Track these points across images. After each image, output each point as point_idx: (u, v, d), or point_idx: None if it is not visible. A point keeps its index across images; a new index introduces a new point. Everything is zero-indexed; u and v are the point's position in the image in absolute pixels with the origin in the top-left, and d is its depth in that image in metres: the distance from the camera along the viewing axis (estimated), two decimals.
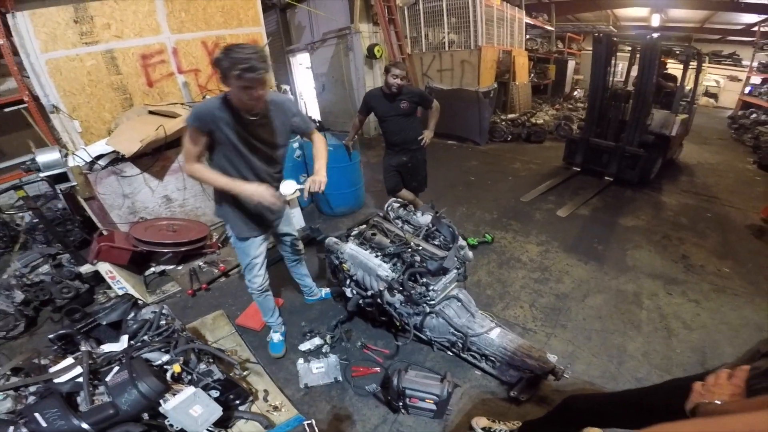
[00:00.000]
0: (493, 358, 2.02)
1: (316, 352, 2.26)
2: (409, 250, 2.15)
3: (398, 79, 3.04)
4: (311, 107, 8.45)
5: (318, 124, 7.10)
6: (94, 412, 1.34)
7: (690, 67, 4.80)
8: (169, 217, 3.67)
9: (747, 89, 10.12)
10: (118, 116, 3.89)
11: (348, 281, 2.33)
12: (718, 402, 0.79)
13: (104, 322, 1.84)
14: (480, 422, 1.74)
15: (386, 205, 2.60)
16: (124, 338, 1.66)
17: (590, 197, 4.49)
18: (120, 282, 2.88)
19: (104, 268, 2.88)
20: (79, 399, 1.41)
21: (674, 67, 5.20)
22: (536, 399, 1.93)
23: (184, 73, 4.30)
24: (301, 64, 8.37)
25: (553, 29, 10.63)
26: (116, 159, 3.34)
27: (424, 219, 2.43)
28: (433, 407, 1.68)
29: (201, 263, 3.34)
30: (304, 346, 2.30)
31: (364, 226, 2.49)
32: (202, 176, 1.70)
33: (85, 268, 2.93)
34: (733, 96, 11.49)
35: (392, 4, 5.87)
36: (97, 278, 3.01)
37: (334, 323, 2.46)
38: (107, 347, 1.64)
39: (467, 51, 6.07)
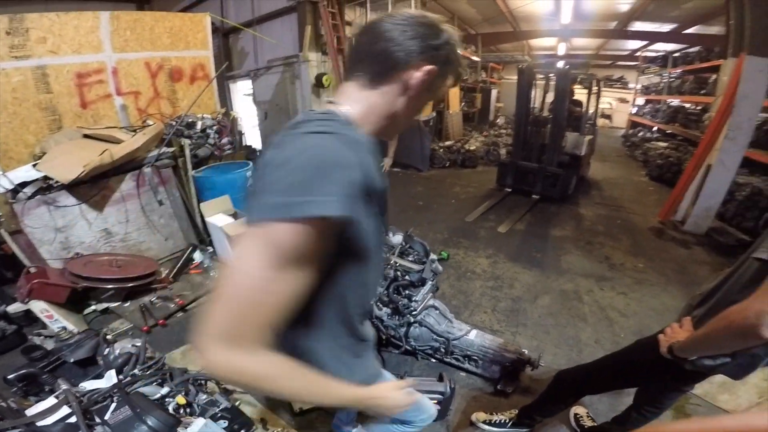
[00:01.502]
0: (475, 358, 2.19)
1: None
2: (389, 266, 2.30)
3: None
4: (252, 136, 8.25)
5: (259, 154, 6.98)
6: None
7: (592, 92, 5.71)
8: (110, 252, 3.35)
9: (633, 110, 11.94)
10: (44, 139, 3.51)
11: None
12: (681, 339, 1.13)
13: (71, 360, 1.66)
14: (479, 416, 1.89)
15: None
16: (111, 374, 1.52)
17: (523, 214, 5.04)
18: (59, 321, 2.58)
19: (39, 306, 2.57)
20: None
21: (580, 93, 6.05)
22: (521, 390, 2.14)
23: (123, 95, 4.05)
24: (240, 91, 8.21)
25: (479, 60, 11.80)
26: (46, 187, 3.00)
27: (397, 238, 2.61)
28: (438, 407, 1.77)
29: (153, 299, 3.09)
30: None
31: None
32: (279, 380, 0.66)
33: (14, 307, 2.60)
34: (623, 116, 13.44)
35: (341, 34, 6.13)
36: (28, 318, 2.66)
37: None
38: (89, 384, 1.49)
39: None
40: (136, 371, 1.55)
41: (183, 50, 4.31)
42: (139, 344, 1.73)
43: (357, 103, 0.75)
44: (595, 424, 1.88)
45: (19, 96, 3.37)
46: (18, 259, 2.99)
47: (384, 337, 2.29)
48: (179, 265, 3.48)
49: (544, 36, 10.92)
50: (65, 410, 1.29)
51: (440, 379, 1.81)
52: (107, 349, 1.70)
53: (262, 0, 6.61)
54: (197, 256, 3.63)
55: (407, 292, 2.25)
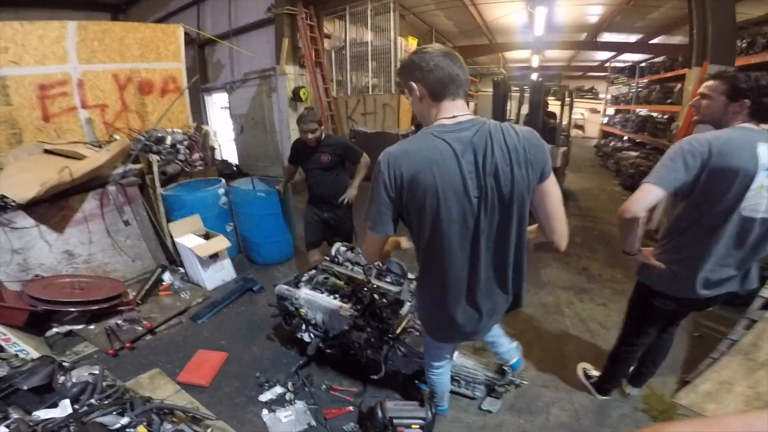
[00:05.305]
0: (457, 378, 2.13)
1: (280, 401, 2.12)
2: (366, 288, 2.24)
3: (310, 133, 2.78)
4: (227, 149, 8.09)
5: (236, 169, 6.82)
6: None
7: (565, 103, 5.84)
8: (73, 274, 3.15)
9: (605, 120, 12.21)
10: (2, 155, 3.30)
11: (305, 326, 2.35)
12: None
13: (25, 387, 1.53)
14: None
15: (333, 250, 2.66)
16: (65, 403, 1.41)
17: None
18: (18, 344, 2.40)
19: None
20: None
21: (553, 104, 6.15)
22: (506, 408, 2.09)
23: (89, 108, 3.87)
24: (215, 103, 8.07)
25: None
26: (3, 206, 2.80)
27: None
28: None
29: (119, 321, 2.91)
30: (265, 397, 2.15)
31: (314, 271, 2.55)
32: None
33: None
34: (595, 126, 13.74)
35: (320, 47, 6.11)
36: None
37: (293, 369, 2.35)
38: (43, 413, 1.37)
39: (388, 95, 6.52)
40: (92, 400, 1.44)
41: (154, 62, 4.17)
42: (96, 372, 1.60)
43: None
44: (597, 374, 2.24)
45: None
46: None
47: (363, 360, 2.21)
48: (147, 286, 3.31)
49: (519, 48, 11.24)
50: None
51: (422, 404, 1.74)
52: (62, 377, 1.57)
53: (239, 11, 6.54)
54: (166, 277, 3.46)
55: (384, 314, 2.18)
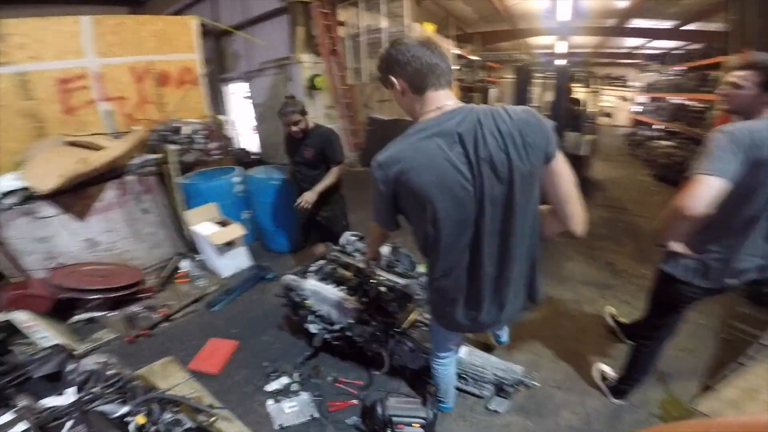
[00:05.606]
0: (465, 376, 2.06)
1: (285, 391, 2.13)
2: (373, 281, 2.18)
3: (292, 125, 2.56)
4: (249, 138, 8.17)
5: (255, 157, 6.88)
6: None
7: (591, 90, 5.55)
8: (95, 262, 3.26)
9: (636, 108, 11.69)
10: (28, 147, 3.42)
11: (311, 317, 2.31)
12: None
13: (36, 375, 1.59)
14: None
15: (342, 239, 2.61)
16: (70, 391, 1.46)
17: None
18: (42, 331, 2.51)
19: (20, 317, 2.53)
20: None
21: (578, 91, 5.87)
22: (514, 409, 2.01)
23: (108, 100, 3.95)
24: (233, 93, 8.15)
25: (476, 59, 11.67)
26: (29, 197, 2.91)
27: (384, 250, 2.47)
28: (421, 431, 1.66)
29: (138, 309, 3.00)
30: (271, 387, 2.16)
31: (322, 261, 2.50)
32: None
33: None
34: (625, 114, 13.14)
35: (334, 35, 6.03)
36: (9, 328, 2.56)
37: (300, 360, 2.35)
38: (49, 401, 1.42)
39: None
40: (96, 389, 1.47)
41: (169, 54, 4.21)
42: (102, 361, 1.64)
43: None
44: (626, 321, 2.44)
45: (1, 103, 3.29)
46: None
47: (369, 354, 2.18)
48: (165, 274, 3.39)
49: (542, 34, 10.78)
50: (22, 426, 1.23)
51: (424, 402, 1.69)
52: (71, 366, 1.62)
53: (253, 1, 6.51)
54: (183, 264, 3.53)
55: (390, 308, 2.12)
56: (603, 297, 3.09)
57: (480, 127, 1.04)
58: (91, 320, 2.90)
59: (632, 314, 2.80)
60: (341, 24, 6.50)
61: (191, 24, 4.36)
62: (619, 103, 14.68)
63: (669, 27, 9.16)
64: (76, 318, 2.88)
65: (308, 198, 2.73)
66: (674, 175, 6.12)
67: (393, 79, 1.13)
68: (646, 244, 4.06)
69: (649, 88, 10.92)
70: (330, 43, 5.93)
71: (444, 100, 1.10)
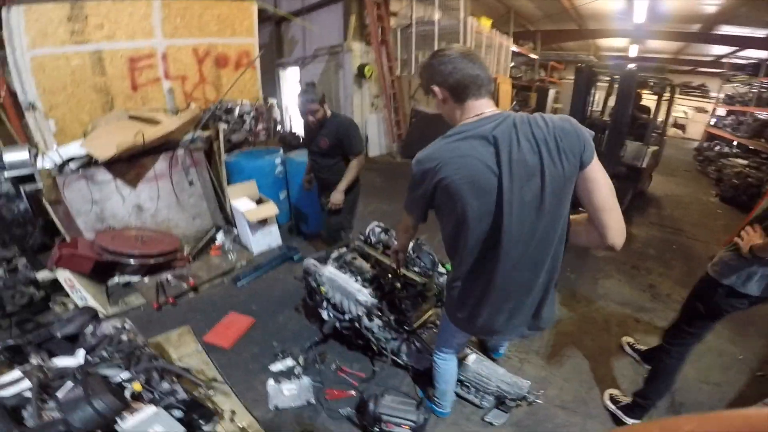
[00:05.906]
0: (467, 384, 2.01)
1: (288, 374, 2.19)
2: (389, 276, 2.17)
3: (310, 114, 2.49)
4: (297, 123, 8.42)
5: (302, 141, 7.06)
6: (42, 428, 1.27)
7: (663, 98, 5.04)
8: (139, 227, 3.53)
9: (712, 121, 10.55)
10: (96, 119, 3.78)
11: (325, 304, 2.33)
12: (757, 242, 1.51)
13: (59, 335, 1.74)
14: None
15: (367, 229, 2.61)
16: (81, 352, 1.58)
17: None
18: (80, 291, 2.73)
19: (63, 275, 2.74)
20: (25, 414, 1.33)
21: (649, 98, 5.36)
22: (511, 422, 1.95)
23: (171, 79, 4.25)
24: (289, 78, 8.40)
25: (537, 57, 11.09)
26: (89, 163, 3.21)
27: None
28: None
29: (169, 276, 3.20)
30: (276, 367, 2.24)
31: (345, 249, 2.50)
32: None
33: (43, 275, 2.78)
34: (699, 127, 11.90)
35: (386, 25, 6.00)
36: (54, 286, 2.83)
37: (308, 345, 2.41)
38: (60, 361, 1.55)
39: None
40: (104, 353, 1.59)
41: (229, 37, 4.43)
42: (118, 326, 1.77)
43: None
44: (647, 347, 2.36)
45: (77, 78, 3.66)
46: (56, 227, 3.24)
47: (375, 348, 2.18)
48: (200, 245, 3.60)
49: (614, 36, 10.00)
50: (26, 383, 1.35)
51: (418, 406, 1.67)
52: (90, 328, 1.76)
53: None
54: (219, 237, 3.73)
55: (404, 305, 2.10)
56: (636, 320, 2.86)
57: (515, 131, 1.06)
58: (127, 284, 3.12)
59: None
60: (393, 14, 6.46)
61: (251, 9, 4.54)
62: (695, 115, 13.29)
63: (763, 36, 8.11)
64: (115, 281, 3.12)
65: (335, 200, 2.73)
66: (745, 198, 5.46)
67: (435, 88, 1.18)
68: (697, 269, 3.68)
69: (731, 100, 9.83)
70: (381, 33, 5.91)
71: (483, 108, 1.15)
